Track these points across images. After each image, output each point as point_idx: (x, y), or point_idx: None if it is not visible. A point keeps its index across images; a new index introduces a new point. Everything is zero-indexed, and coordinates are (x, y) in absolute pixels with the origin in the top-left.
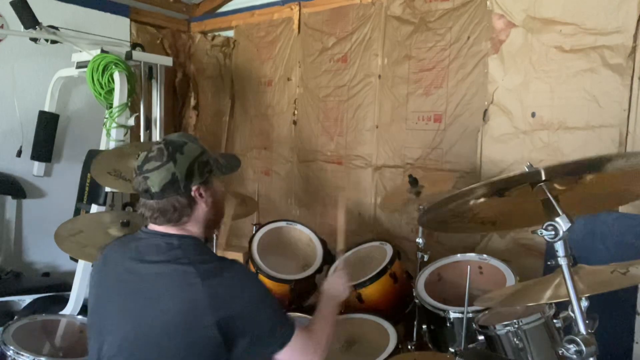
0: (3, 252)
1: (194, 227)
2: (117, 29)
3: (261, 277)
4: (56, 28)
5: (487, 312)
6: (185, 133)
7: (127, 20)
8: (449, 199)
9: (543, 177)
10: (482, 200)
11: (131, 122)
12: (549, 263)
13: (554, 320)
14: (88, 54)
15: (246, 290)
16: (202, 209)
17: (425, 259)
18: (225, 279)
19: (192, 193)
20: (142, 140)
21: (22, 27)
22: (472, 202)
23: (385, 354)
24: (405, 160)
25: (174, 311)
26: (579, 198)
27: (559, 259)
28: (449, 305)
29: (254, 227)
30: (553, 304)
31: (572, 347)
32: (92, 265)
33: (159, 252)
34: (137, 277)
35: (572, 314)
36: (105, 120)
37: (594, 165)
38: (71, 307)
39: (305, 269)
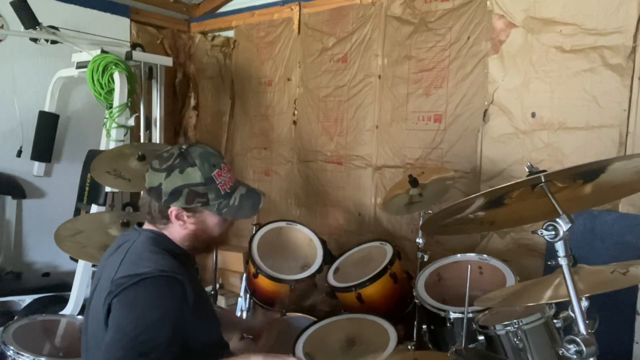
0: (3, 252)
1: (171, 234)
2: (117, 29)
3: (261, 277)
4: (56, 28)
5: (487, 312)
6: (217, 155)
7: (127, 20)
8: (448, 212)
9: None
10: (481, 213)
11: (131, 122)
12: (549, 263)
13: (554, 321)
14: (88, 54)
15: (129, 311)
16: (177, 229)
17: (425, 259)
18: (129, 293)
19: (169, 211)
20: (142, 140)
21: (22, 27)
22: (471, 216)
23: (386, 354)
24: (405, 160)
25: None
26: (579, 194)
27: (559, 259)
28: (449, 305)
29: (254, 227)
30: (553, 304)
31: (573, 347)
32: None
33: (116, 248)
34: (98, 274)
35: (572, 314)
36: (105, 120)
37: (597, 170)
38: (71, 307)
39: (305, 269)
